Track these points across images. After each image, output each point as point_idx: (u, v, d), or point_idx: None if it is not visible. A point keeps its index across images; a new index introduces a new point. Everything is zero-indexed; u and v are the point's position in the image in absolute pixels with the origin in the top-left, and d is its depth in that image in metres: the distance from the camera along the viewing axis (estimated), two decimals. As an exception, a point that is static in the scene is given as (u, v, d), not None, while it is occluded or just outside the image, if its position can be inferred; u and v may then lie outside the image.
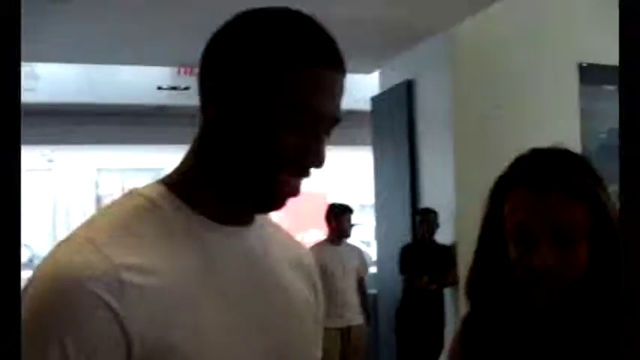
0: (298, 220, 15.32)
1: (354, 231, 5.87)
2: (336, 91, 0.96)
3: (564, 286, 1.18)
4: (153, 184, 0.99)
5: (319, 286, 1.17)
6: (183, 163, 1.01)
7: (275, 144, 0.92)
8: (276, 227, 1.14)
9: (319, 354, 1.14)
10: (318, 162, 0.95)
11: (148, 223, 0.92)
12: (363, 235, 11.36)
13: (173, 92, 8.64)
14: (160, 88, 7.64)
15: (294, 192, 0.97)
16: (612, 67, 5.97)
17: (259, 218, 1.05)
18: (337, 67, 0.96)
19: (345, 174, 15.32)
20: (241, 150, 0.94)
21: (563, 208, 1.16)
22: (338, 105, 0.97)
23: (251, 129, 0.93)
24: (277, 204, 0.98)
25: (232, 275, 0.97)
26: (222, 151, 0.95)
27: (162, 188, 0.97)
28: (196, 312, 0.89)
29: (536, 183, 1.17)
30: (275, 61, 0.92)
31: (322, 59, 0.94)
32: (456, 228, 5.63)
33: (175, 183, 0.98)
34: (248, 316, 0.96)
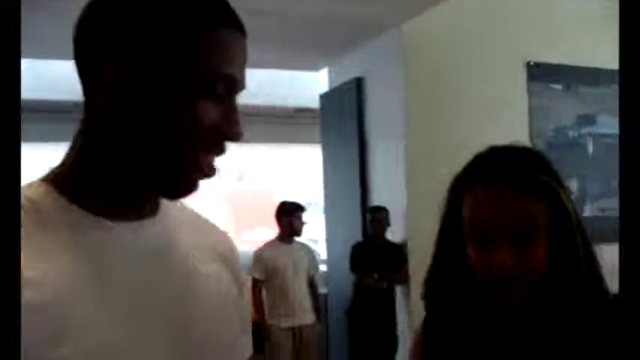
0: (245, 218, 15.30)
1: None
2: (243, 54, 0.91)
3: (525, 286, 1.16)
4: (35, 182, 0.89)
5: (242, 274, 1.09)
6: (68, 156, 0.92)
7: (193, 116, 0.85)
8: (190, 214, 1.05)
9: (246, 343, 1.07)
10: (239, 133, 0.89)
11: (27, 227, 0.82)
12: (311, 232, 11.41)
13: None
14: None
15: (212, 172, 0.90)
16: (559, 66, 6.07)
17: (167, 207, 0.98)
18: (242, 29, 0.90)
19: (292, 171, 15.31)
20: (154, 131, 0.86)
21: (522, 207, 1.13)
22: (244, 71, 0.91)
23: (164, 104, 0.85)
24: (193, 187, 0.91)
25: (125, 277, 0.88)
26: (127, 137, 0.87)
27: (44, 186, 0.88)
28: (83, 321, 0.81)
29: (494, 181, 1.15)
30: (181, 25, 0.85)
31: (227, 19, 0.89)
32: (407, 226, 5.63)
33: (60, 179, 0.89)
34: (145, 314, 0.89)
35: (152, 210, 0.95)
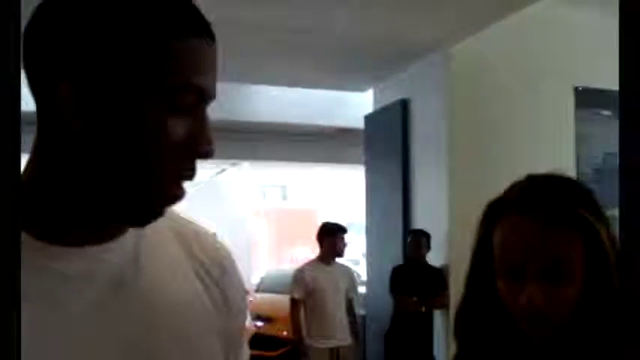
0: (287, 236, 15.32)
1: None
2: (213, 64, 0.82)
3: (556, 323, 1.10)
4: None
5: (232, 285, 0.97)
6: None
7: (162, 134, 0.76)
8: (173, 222, 0.94)
9: (239, 357, 0.98)
10: (211, 149, 0.80)
11: None
12: (352, 253, 11.44)
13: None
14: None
15: (182, 195, 0.81)
16: (608, 92, 5.97)
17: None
18: (212, 38, 0.82)
19: (336, 191, 15.34)
20: (118, 152, 0.76)
21: (556, 241, 1.07)
22: (215, 82, 0.82)
23: (129, 121, 0.76)
24: (160, 214, 0.82)
25: (78, 312, 0.79)
26: (86, 159, 0.77)
27: None
28: None
29: (528, 212, 1.08)
30: (147, 32, 0.76)
31: (196, 28, 0.80)
32: (449, 250, 5.58)
33: None
34: (99, 352, 0.80)
35: (120, 228, 0.85)
